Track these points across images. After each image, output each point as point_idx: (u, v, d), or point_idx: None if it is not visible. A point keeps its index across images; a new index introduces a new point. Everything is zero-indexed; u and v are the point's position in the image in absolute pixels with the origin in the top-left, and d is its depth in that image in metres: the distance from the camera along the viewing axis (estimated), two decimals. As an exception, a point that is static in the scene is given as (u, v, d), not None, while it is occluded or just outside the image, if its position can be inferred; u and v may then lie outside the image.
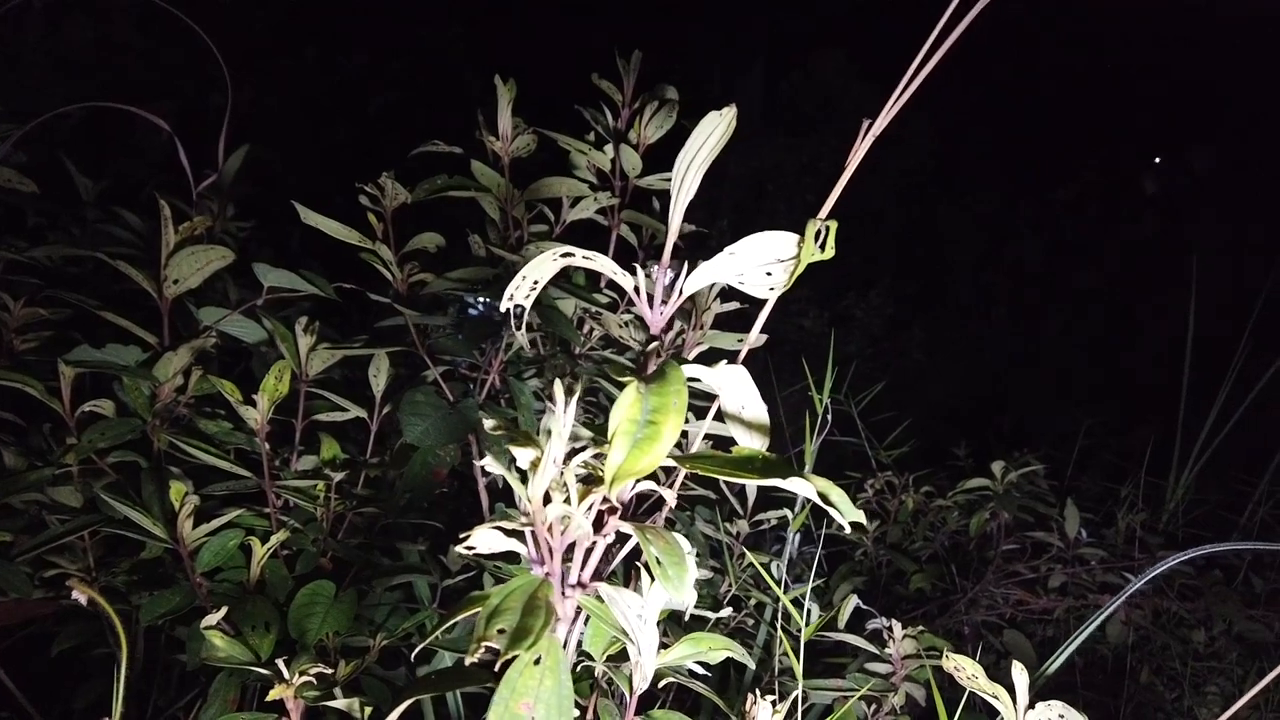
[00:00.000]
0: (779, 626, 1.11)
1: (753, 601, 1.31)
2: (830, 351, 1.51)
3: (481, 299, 1.25)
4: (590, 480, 0.49)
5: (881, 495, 1.86)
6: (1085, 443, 2.42)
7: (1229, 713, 0.78)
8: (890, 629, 1.07)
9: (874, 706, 1.06)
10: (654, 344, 0.56)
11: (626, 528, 0.49)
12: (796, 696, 0.94)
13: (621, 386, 0.46)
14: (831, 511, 0.44)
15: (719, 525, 1.38)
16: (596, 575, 0.52)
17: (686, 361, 0.51)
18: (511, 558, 0.85)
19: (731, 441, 0.54)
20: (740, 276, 0.52)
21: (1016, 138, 6.20)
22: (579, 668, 0.66)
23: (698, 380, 0.54)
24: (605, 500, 0.48)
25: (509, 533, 0.49)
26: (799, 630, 0.98)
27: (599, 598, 0.51)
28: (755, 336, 0.66)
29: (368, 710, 0.68)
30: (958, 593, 1.78)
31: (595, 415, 1.27)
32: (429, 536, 1.20)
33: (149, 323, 1.05)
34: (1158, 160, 6.58)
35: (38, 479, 0.97)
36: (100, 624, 1.05)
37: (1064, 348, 5.56)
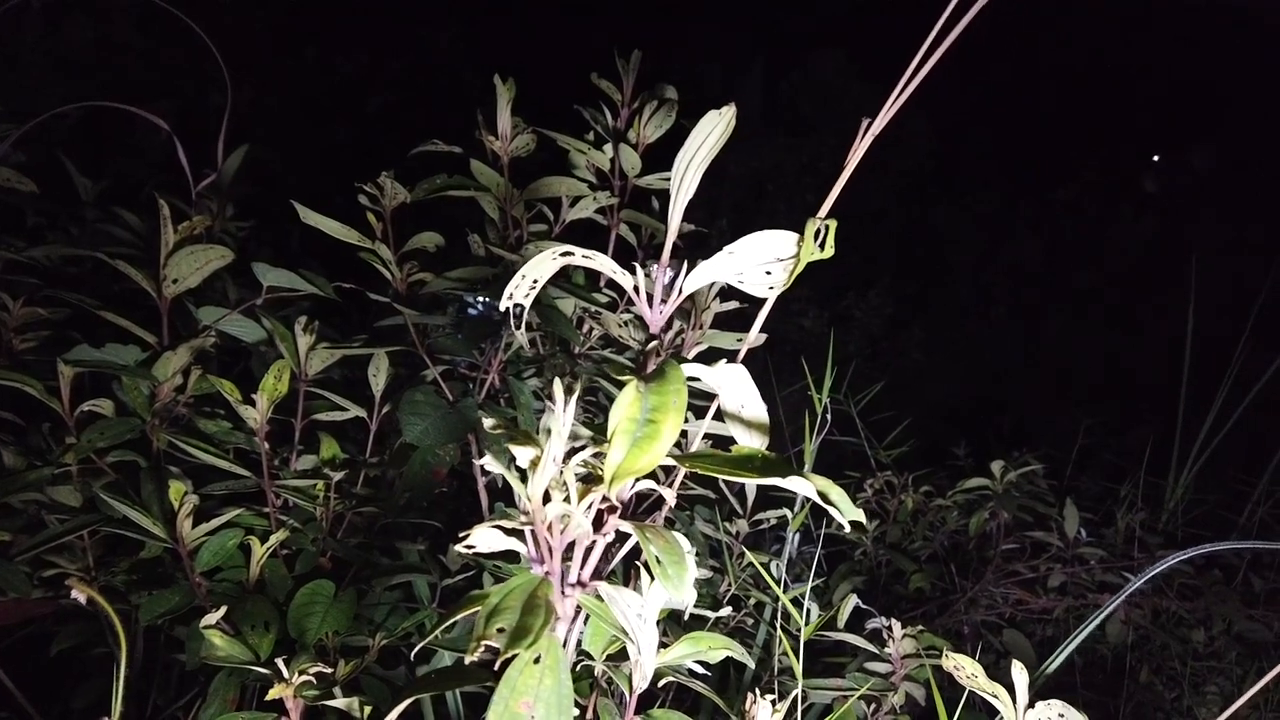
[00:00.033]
0: (778, 626, 1.11)
1: (752, 601, 1.31)
2: (830, 351, 1.51)
3: (481, 298, 1.25)
4: (590, 479, 0.49)
5: (881, 495, 1.86)
6: (1085, 443, 2.42)
7: (1228, 712, 0.78)
8: (890, 628, 1.07)
9: (873, 706, 1.06)
10: (653, 343, 0.56)
11: (626, 527, 0.49)
12: (796, 696, 0.94)
13: (621, 385, 0.46)
14: (831, 511, 0.44)
15: (718, 525, 1.38)
16: (596, 574, 0.52)
17: (686, 360, 0.51)
18: (511, 557, 0.85)
19: (731, 441, 0.54)
20: (740, 275, 0.52)
21: (1016, 138, 6.20)
22: (578, 667, 0.66)
23: (697, 379, 0.54)
24: (605, 499, 0.48)
25: (509, 531, 0.49)
26: (798, 630, 0.98)
27: (599, 597, 0.51)
28: (755, 336, 0.66)
29: (367, 709, 0.68)
30: (957, 592, 1.78)
31: (595, 415, 1.27)
32: (428, 536, 1.20)
33: (148, 322, 1.05)
34: (1156, 158, 6.58)
35: (37, 478, 0.97)
36: (99, 623, 1.04)
37: (1063, 348, 5.56)
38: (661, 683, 0.68)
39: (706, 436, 0.94)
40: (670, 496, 0.54)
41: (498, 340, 1.21)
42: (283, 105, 3.58)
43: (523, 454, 0.48)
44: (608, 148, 1.22)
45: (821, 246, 0.48)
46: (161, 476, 0.99)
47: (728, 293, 1.12)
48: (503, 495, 1.26)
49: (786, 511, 1.37)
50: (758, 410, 0.54)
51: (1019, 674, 0.64)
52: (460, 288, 1.15)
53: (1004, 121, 6.19)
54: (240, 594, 0.96)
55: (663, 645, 0.63)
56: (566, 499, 0.48)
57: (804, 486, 0.44)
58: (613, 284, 1.30)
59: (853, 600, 1.16)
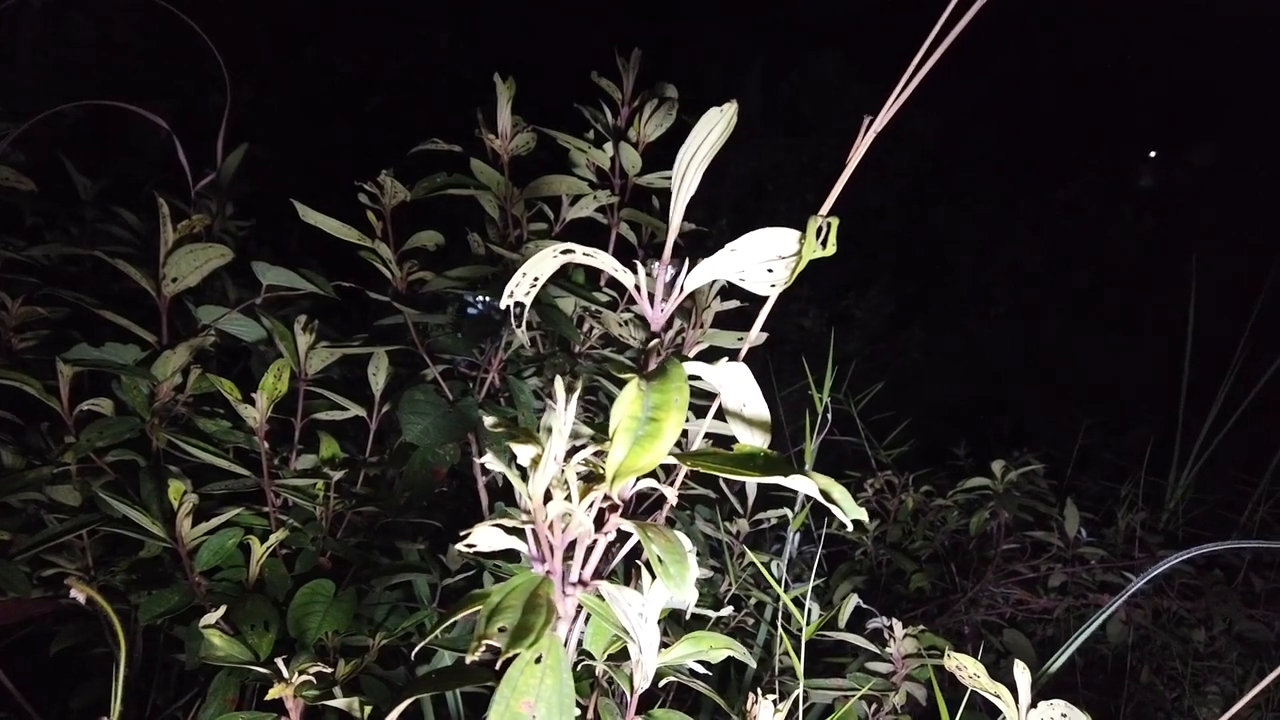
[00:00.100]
0: (779, 626, 1.11)
1: (753, 601, 1.31)
2: (830, 351, 1.51)
3: (480, 297, 1.25)
4: (591, 478, 0.49)
5: (881, 494, 1.86)
6: (1085, 442, 2.41)
7: (1230, 713, 0.78)
8: (891, 628, 1.07)
9: (874, 706, 1.06)
10: (655, 341, 0.56)
11: (628, 525, 0.49)
12: (798, 696, 0.94)
13: (622, 384, 0.46)
14: (833, 509, 0.44)
15: (719, 524, 1.38)
16: (597, 573, 0.52)
17: (687, 359, 0.51)
18: (511, 556, 0.85)
19: (732, 440, 0.54)
20: (741, 273, 0.52)
21: (1016, 138, 6.20)
22: (579, 666, 0.66)
23: (698, 378, 0.54)
24: (606, 498, 0.48)
25: (510, 530, 0.49)
26: (799, 629, 0.98)
27: (600, 596, 0.51)
28: (756, 334, 0.66)
29: (367, 709, 0.67)
30: (958, 592, 1.78)
31: (595, 414, 1.27)
32: (428, 535, 1.20)
33: (147, 321, 1.05)
34: (1153, 154, 6.58)
35: (36, 478, 0.96)
36: (99, 623, 1.04)
37: (1063, 347, 5.56)
38: (662, 682, 0.68)
39: (707, 435, 0.93)
40: (671, 495, 0.54)
41: (498, 339, 1.21)
42: (282, 105, 3.58)
43: (524, 452, 0.48)
44: (608, 146, 1.21)
45: (824, 244, 0.48)
46: (161, 476, 0.99)
47: (728, 292, 1.11)
48: (503, 494, 1.26)
49: (787, 511, 1.37)
50: (759, 409, 0.54)
51: (1021, 674, 0.64)
52: (460, 286, 1.15)
53: (1004, 121, 6.19)
54: (240, 593, 0.96)
55: (664, 645, 0.63)
56: (568, 497, 0.47)
57: (806, 485, 0.44)
58: (613, 283, 1.30)
59: (853, 600, 1.16)
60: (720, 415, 0.57)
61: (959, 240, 6.02)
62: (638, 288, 0.53)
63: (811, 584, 1.08)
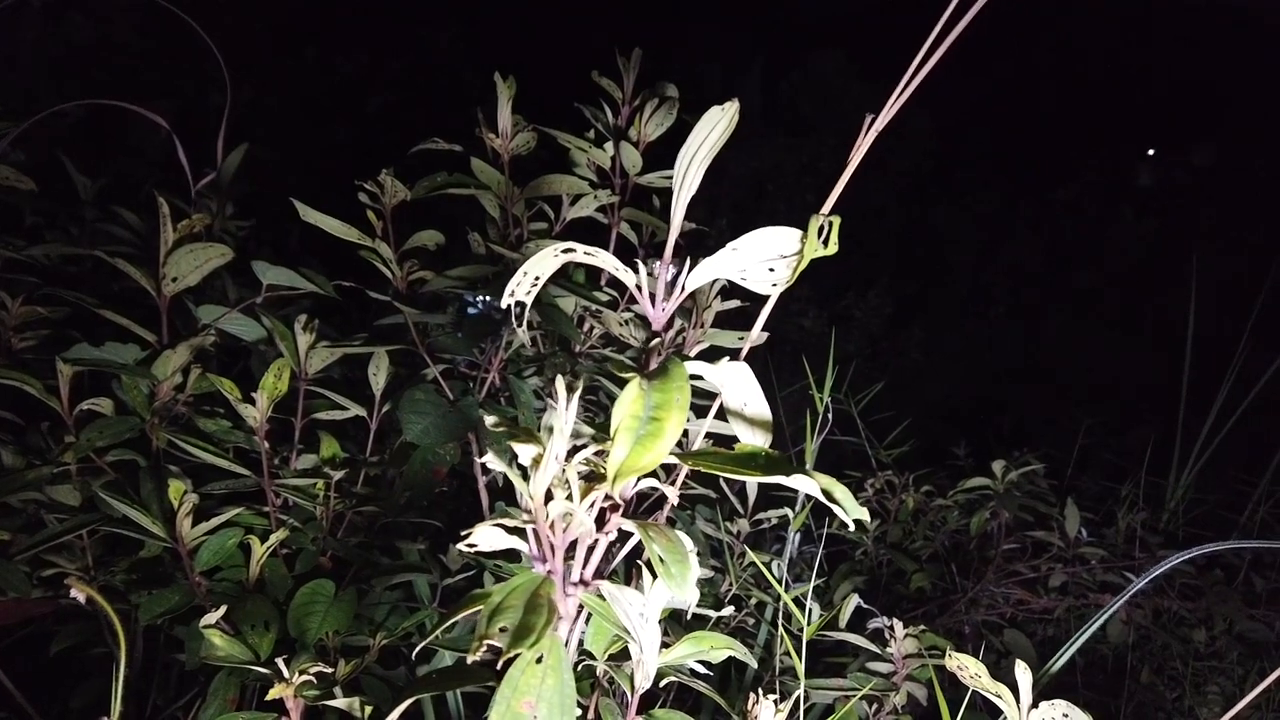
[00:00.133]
0: (780, 626, 1.11)
1: (753, 601, 1.31)
2: (830, 351, 1.51)
3: (481, 297, 1.25)
4: (592, 477, 0.49)
5: (882, 494, 1.85)
6: (1085, 442, 2.41)
7: (1231, 713, 0.78)
8: (892, 628, 1.07)
9: (875, 706, 1.06)
10: (656, 340, 0.56)
11: (629, 525, 0.49)
12: (798, 696, 0.94)
13: (623, 384, 0.46)
14: (835, 509, 0.44)
15: (719, 524, 1.37)
16: (598, 573, 0.52)
17: (689, 358, 0.51)
18: (512, 556, 0.85)
19: (733, 439, 0.54)
20: (743, 272, 0.52)
21: (1016, 137, 6.20)
22: (580, 667, 0.66)
23: (700, 378, 0.54)
24: (608, 497, 0.48)
25: (511, 530, 0.49)
26: (800, 629, 0.98)
27: (601, 596, 0.51)
28: (757, 334, 0.66)
29: (368, 709, 0.67)
30: (958, 592, 1.78)
31: (595, 414, 1.27)
32: (429, 535, 1.20)
33: (148, 321, 1.05)
34: (1151, 152, 6.58)
35: (36, 477, 0.96)
36: (99, 623, 1.04)
37: (1063, 348, 5.56)
38: (663, 682, 0.68)
39: (708, 435, 0.93)
40: (673, 495, 0.54)
41: (498, 339, 1.21)
42: (282, 105, 3.58)
43: (525, 452, 0.48)
44: (608, 146, 1.21)
45: (825, 242, 0.48)
46: (161, 475, 0.99)
47: (729, 291, 1.11)
48: (503, 494, 1.26)
49: (788, 511, 1.37)
50: (760, 408, 0.54)
51: (1023, 674, 0.64)
52: (461, 286, 1.15)
53: (1004, 121, 6.19)
54: (240, 593, 0.96)
55: (664, 645, 0.63)
56: (569, 497, 0.47)
57: (808, 484, 0.44)
58: (613, 282, 1.30)
59: (854, 600, 1.16)
60: (721, 415, 0.57)
61: (959, 240, 6.02)
62: (639, 287, 0.53)
63: (812, 584, 1.08)
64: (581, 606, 0.52)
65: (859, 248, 5.33)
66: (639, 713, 0.65)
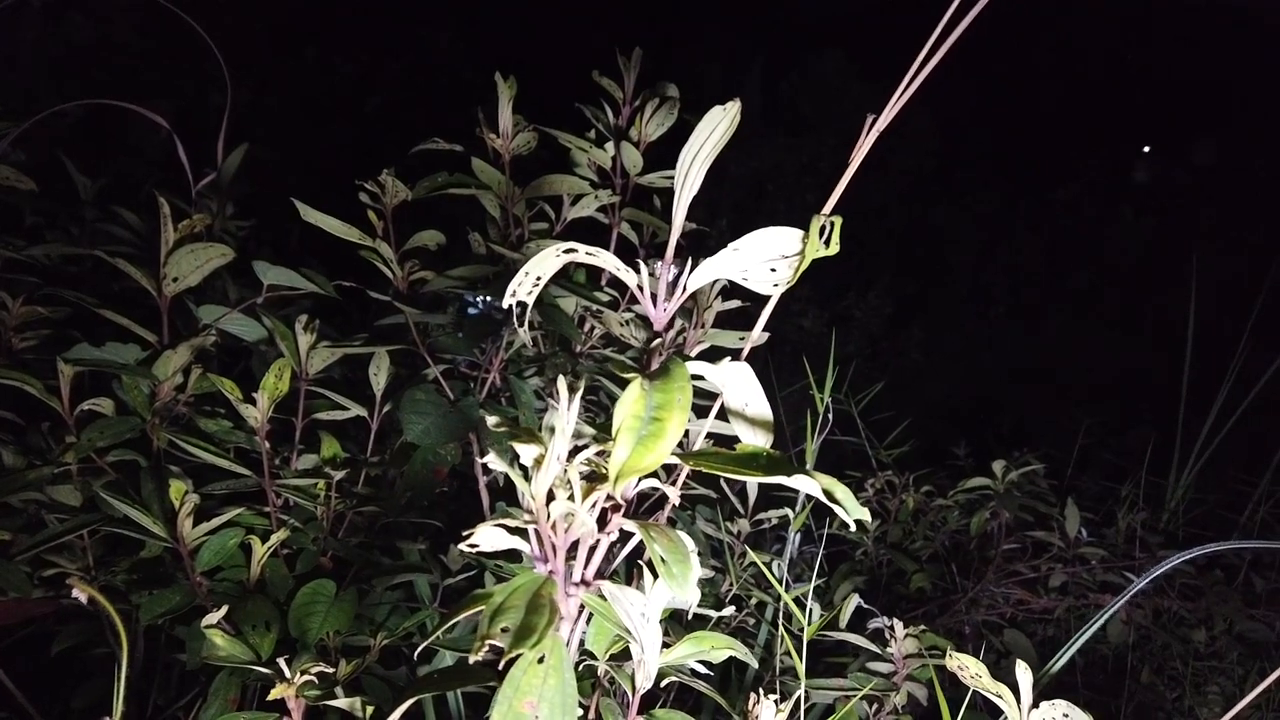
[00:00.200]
0: (780, 626, 1.11)
1: (754, 601, 1.31)
2: (831, 351, 1.51)
3: (481, 297, 1.25)
4: (593, 478, 0.49)
5: (882, 494, 1.86)
6: (1085, 442, 2.41)
7: (1231, 713, 0.78)
8: (892, 628, 1.07)
9: (876, 706, 1.06)
10: (657, 340, 0.56)
11: (630, 525, 0.49)
12: (799, 696, 0.94)
13: (624, 384, 0.46)
14: (836, 509, 0.44)
15: (720, 524, 1.38)
16: (599, 573, 0.52)
17: (690, 358, 0.51)
18: (513, 556, 0.85)
19: (733, 440, 0.54)
20: (744, 272, 0.52)
21: (1016, 137, 6.20)
22: (581, 666, 0.66)
23: (701, 378, 0.54)
24: (609, 497, 0.48)
25: (512, 530, 0.49)
26: (801, 629, 0.98)
27: (602, 596, 0.51)
28: (758, 334, 0.66)
29: (369, 709, 0.67)
30: (958, 592, 1.78)
31: (596, 414, 1.27)
32: (429, 535, 1.20)
33: (148, 321, 1.05)
34: (1147, 150, 6.59)
35: (37, 478, 0.96)
36: (100, 623, 1.04)
37: (1063, 347, 5.56)
38: (664, 682, 0.68)
39: (709, 435, 0.93)
40: (674, 495, 0.54)
41: (499, 339, 1.21)
42: (282, 105, 3.58)
43: (527, 452, 0.48)
44: (609, 146, 1.21)
45: (827, 243, 0.48)
46: (162, 476, 0.99)
47: (729, 291, 1.11)
48: (504, 494, 1.26)
49: (788, 511, 1.37)
50: (762, 408, 0.54)
51: (1023, 674, 0.64)
52: (461, 286, 1.15)
53: (1004, 121, 6.19)
54: (241, 593, 0.96)
55: (665, 645, 0.63)
56: (570, 497, 0.47)
57: (809, 485, 0.44)
58: (614, 282, 1.30)
59: (854, 600, 1.16)
60: (722, 415, 0.57)
61: (959, 240, 6.02)
62: (640, 287, 0.53)
63: (812, 584, 1.08)
64: (583, 606, 0.52)
65: (859, 248, 5.34)
66: (640, 712, 0.65)
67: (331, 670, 0.69)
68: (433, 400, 1.12)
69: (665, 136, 1.24)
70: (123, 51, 2.94)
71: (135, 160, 2.28)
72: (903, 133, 5.37)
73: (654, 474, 0.46)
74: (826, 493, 0.44)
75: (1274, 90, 5.15)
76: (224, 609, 0.77)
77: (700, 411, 0.98)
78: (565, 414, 0.47)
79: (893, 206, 5.70)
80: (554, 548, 0.49)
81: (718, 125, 0.50)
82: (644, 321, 1.20)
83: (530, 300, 0.52)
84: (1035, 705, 0.64)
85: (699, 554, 0.48)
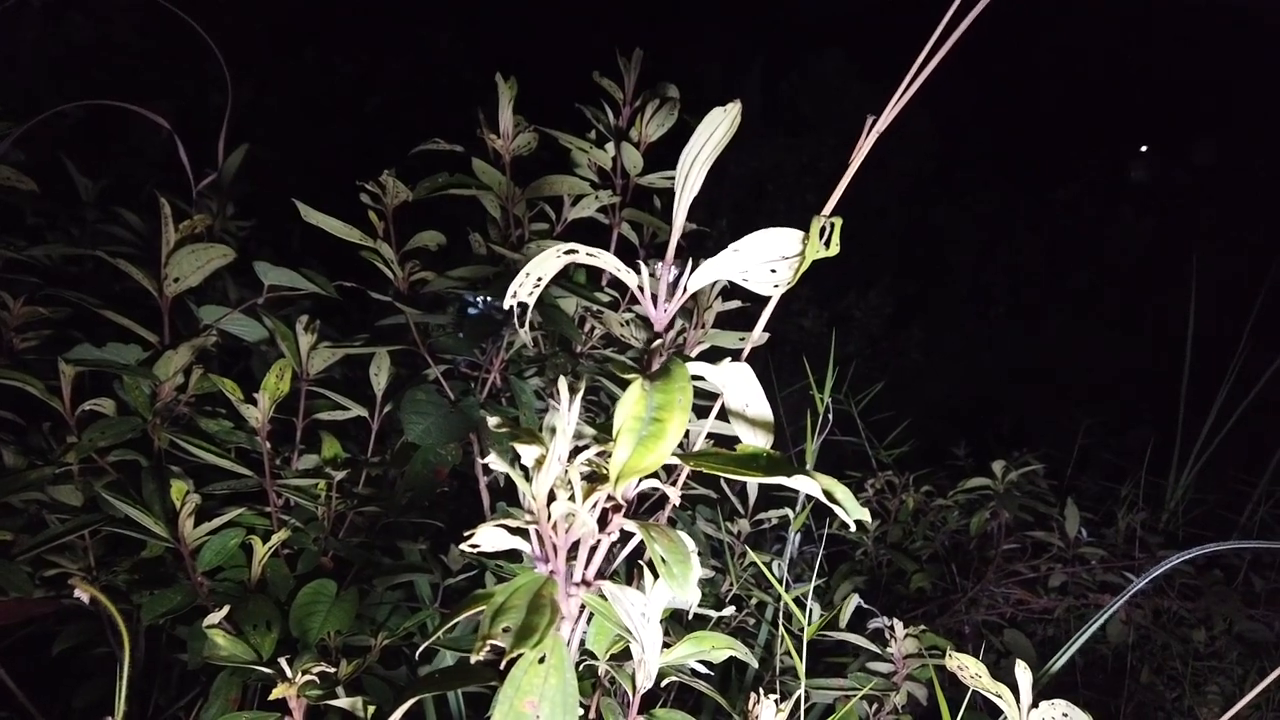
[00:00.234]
0: (781, 626, 1.11)
1: (754, 601, 1.31)
2: (831, 351, 1.51)
3: (480, 297, 1.25)
4: (594, 478, 0.49)
5: (882, 495, 1.86)
6: (1085, 442, 2.42)
7: (1230, 713, 0.78)
8: (892, 628, 1.07)
9: (875, 706, 1.06)
10: (658, 341, 0.56)
11: (631, 525, 0.49)
12: (799, 696, 0.94)
13: (625, 385, 0.46)
14: (836, 510, 0.44)
15: (720, 524, 1.38)
16: (600, 573, 0.52)
17: (690, 359, 0.51)
18: (514, 556, 0.85)
19: (734, 440, 0.54)
20: (744, 273, 0.52)
21: (1016, 137, 6.20)
22: (582, 666, 0.66)
23: (701, 379, 0.54)
24: (610, 498, 0.48)
25: (513, 530, 0.49)
26: (801, 629, 0.98)
27: (603, 596, 0.51)
28: (758, 335, 0.66)
29: (370, 709, 0.67)
30: (958, 592, 1.78)
31: (596, 414, 1.27)
32: (430, 535, 1.20)
33: (149, 321, 1.05)
34: (1144, 149, 6.59)
35: (38, 478, 0.96)
36: (100, 623, 1.04)
37: (1063, 347, 5.56)
38: (664, 682, 0.68)
39: (709, 435, 0.93)
40: (674, 495, 0.54)
41: (499, 339, 1.21)
42: (282, 105, 3.58)
43: (528, 453, 0.48)
44: (609, 146, 1.22)
45: (827, 244, 0.48)
46: (163, 476, 0.99)
47: (729, 292, 1.12)
48: (504, 495, 1.26)
49: (788, 511, 1.37)
50: (762, 409, 0.54)
51: (1023, 674, 0.64)
52: (462, 286, 1.15)
53: (1004, 121, 6.19)
54: (242, 593, 0.96)
55: (666, 645, 0.63)
56: (571, 498, 0.47)
57: (809, 485, 0.44)
58: (614, 283, 1.30)
59: (854, 600, 1.16)
60: (722, 415, 0.57)
61: (959, 240, 6.02)
62: (640, 288, 0.53)
63: (812, 584, 1.09)
64: (583, 606, 0.52)
65: (859, 248, 5.33)
66: (640, 712, 0.66)
67: (332, 670, 0.69)
68: (433, 400, 1.12)
69: (665, 137, 1.24)
70: (123, 51, 2.94)
71: (136, 161, 2.29)
72: (902, 134, 5.37)
73: (654, 474, 0.46)
74: (826, 493, 0.44)
75: (1274, 90, 5.15)
76: (225, 609, 0.77)
77: (701, 412, 0.98)
78: (566, 415, 0.47)
79: (893, 206, 5.70)
80: (555, 548, 0.49)
81: (718, 127, 0.50)
82: (644, 322, 1.20)
83: (531, 301, 0.52)
84: (1035, 705, 0.64)
85: (699, 554, 0.48)
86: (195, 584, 0.95)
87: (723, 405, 0.56)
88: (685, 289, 0.53)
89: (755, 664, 0.82)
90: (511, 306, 0.52)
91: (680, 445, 0.44)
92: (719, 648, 0.65)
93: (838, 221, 0.48)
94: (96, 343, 1.02)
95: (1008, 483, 1.75)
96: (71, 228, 1.41)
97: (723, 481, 1.31)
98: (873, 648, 1.09)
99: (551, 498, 0.48)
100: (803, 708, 1.01)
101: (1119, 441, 2.89)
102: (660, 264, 0.54)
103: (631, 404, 0.44)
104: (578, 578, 0.51)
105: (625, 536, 0.53)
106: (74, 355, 0.98)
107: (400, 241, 1.15)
